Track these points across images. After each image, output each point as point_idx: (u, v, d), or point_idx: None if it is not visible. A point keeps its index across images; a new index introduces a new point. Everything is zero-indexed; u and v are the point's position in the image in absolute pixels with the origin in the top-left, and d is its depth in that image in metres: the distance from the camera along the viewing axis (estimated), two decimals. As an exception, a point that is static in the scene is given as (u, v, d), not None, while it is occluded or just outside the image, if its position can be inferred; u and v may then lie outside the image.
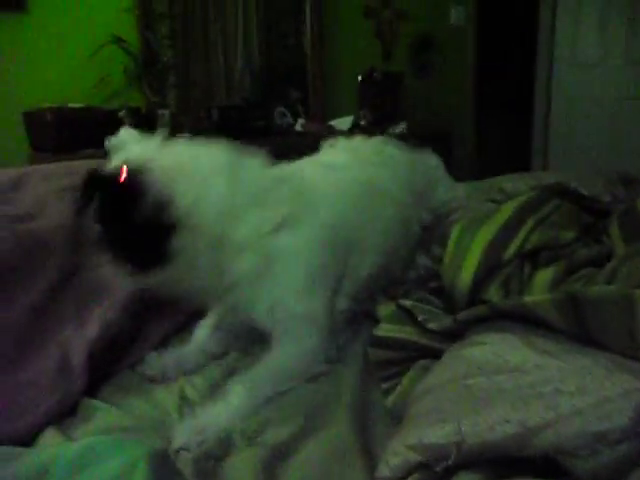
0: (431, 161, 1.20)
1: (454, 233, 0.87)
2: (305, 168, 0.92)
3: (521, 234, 0.84)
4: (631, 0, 3.27)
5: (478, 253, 0.82)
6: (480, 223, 0.87)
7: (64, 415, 0.72)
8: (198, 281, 0.75)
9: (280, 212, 0.78)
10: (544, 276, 0.77)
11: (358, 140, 1.09)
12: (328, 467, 0.60)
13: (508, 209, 0.89)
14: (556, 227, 0.87)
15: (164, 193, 0.67)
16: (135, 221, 0.67)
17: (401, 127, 1.20)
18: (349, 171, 0.95)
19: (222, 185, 0.72)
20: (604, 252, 0.83)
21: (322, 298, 0.82)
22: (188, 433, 0.67)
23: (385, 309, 0.81)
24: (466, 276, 0.80)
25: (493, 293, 0.77)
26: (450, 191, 1.20)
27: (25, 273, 0.82)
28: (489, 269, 0.80)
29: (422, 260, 1.02)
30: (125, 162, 0.69)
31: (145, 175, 0.67)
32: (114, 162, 0.71)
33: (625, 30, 3.32)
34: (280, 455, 0.62)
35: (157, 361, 0.84)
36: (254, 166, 0.81)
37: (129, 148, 0.74)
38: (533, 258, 0.83)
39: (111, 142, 0.78)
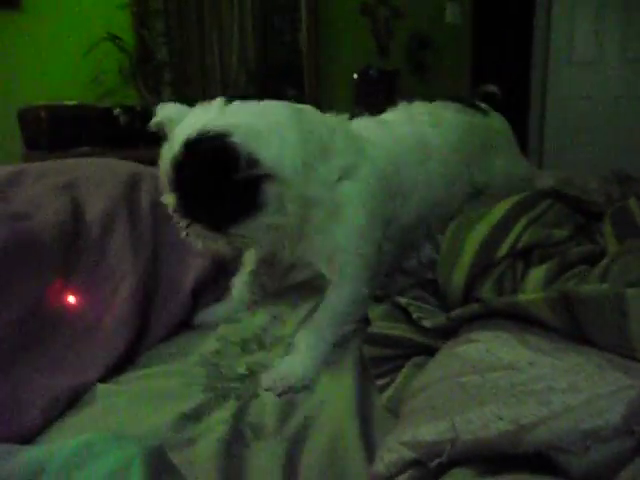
0: (495, 125, 1.23)
1: (448, 232, 0.88)
2: (359, 122, 0.97)
3: (514, 232, 0.84)
4: (625, 0, 3.28)
5: (471, 251, 0.83)
6: (473, 222, 0.88)
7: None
8: (279, 233, 0.81)
9: (342, 162, 0.83)
10: (537, 274, 0.78)
11: (417, 104, 1.13)
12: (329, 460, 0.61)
13: (501, 208, 0.90)
14: (549, 225, 0.87)
15: (251, 151, 0.71)
16: (232, 181, 0.71)
17: (492, 88, 1.23)
18: (399, 127, 1.01)
19: (295, 138, 0.76)
20: (597, 250, 0.84)
21: (374, 242, 0.88)
22: (274, 378, 0.75)
23: (376, 310, 0.82)
24: (460, 275, 0.81)
25: (487, 291, 0.78)
26: (513, 165, 1.22)
27: (21, 271, 0.82)
28: (482, 267, 0.81)
29: (426, 249, 1.02)
30: (205, 129, 0.72)
31: (231, 137, 0.71)
32: (188, 131, 0.73)
33: (620, 29, 3.33)
34: (296, 447, 0.63)
35: (204, 316, 0.96)
36: (314, 119, 0.85)
37: (193, 117, 0.77)
38: (526, 256, 0.84)
39: (162, 116, 0.82)
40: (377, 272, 0.89)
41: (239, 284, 1.00)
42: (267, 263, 1.00)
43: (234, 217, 0.75)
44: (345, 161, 0.83)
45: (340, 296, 0.85)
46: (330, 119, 0.89)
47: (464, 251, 0.84)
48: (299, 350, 0.80)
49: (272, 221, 0.76)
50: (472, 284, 0.82)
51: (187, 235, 0.80)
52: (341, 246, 0.84)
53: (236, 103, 0.78)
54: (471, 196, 1.12)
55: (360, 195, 0.85)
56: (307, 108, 0.86)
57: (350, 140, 0.87)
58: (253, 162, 0.71)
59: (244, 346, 0.86)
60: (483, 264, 0.82)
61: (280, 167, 0.73)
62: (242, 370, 0.79)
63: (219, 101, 0.78)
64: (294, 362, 0.78)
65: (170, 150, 0.75)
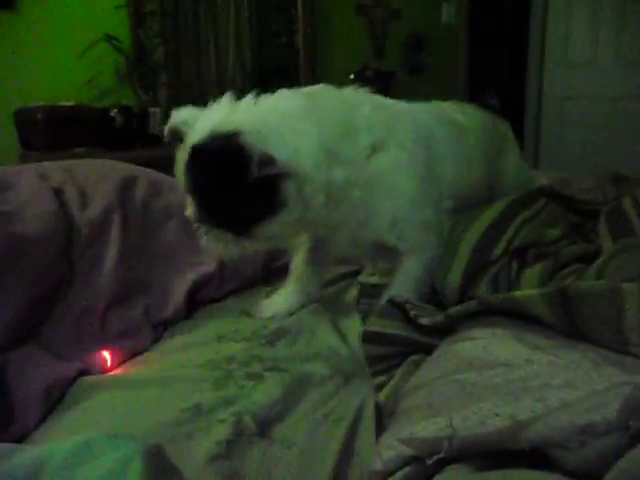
0: (506, 130, 1.23)
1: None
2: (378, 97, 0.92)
3: (509, 232, 0.85)
4: (621, 1, 3.29)
5: (467, 251, 0.83)
6: (469, 221, 0.88)
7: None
8: (309, 224, 0.80)
9: (370, 138, 0.80)
10: (532, 273, 0.78)
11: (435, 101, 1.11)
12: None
13: (497, 208, 0.91)
14: (543, 225, 0.88)
15: (264, 150, 0.68)
16: (246, 182, 0.69)
17: (492, 100, 1.24)
18: (425, 106, 0.99)
19: (310, 128, 0.74)
20: (591, 249, 0.84)
21: (432, 204, 0.87)
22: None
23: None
24: (456, 274, 0.82)
25: (482, 290, 0.78)
26: (521, 168, 1.24)
27: (13, 274, 0.82)
28: (478, 267, 0.82)
29: None
30: (215, 130, 0.70)
31: (242, 137, 0.68)
32: (199, 134, 0.72)
33: (615, 30, 3.35)
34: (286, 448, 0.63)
35: (269, 306, 0.94)
36: (330, 100, 0.82)
37: (204, 119, 0.75)
38: (521, 255, 0.84)
39: (177, 120, 0.80)
40: (444, 228, 0.89)
41: (299, 275, 0.96)
42: (318, 254, 0.97)
43: (255, 218, 0.73)
44: (373, 136, 0.80)
45: (414, 264, 0.86)
46: (350, 94, 0.85)
47: (460, 250, 0.84)
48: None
49: (296, 217, 0.74)
50: (468, 283, 0.82)
51: (207, 241, 0.77)
52: (398, 218, 0.83)
53: (247, 99, 0.77)
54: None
55: (399, 163, 0.82)
56: (320, 90, 0.83)
57: (376, 112, 0.83)
58: (267, 160, 0.68)
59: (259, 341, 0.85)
60: (479, 263, 0.82)
61: (297, 163, 0.70)
62: (253, 370, 0.78)
63: (228, 98, 0.77)
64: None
65: (184, 154, 0.73)
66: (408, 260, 0.87)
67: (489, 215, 0.88)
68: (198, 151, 0.71)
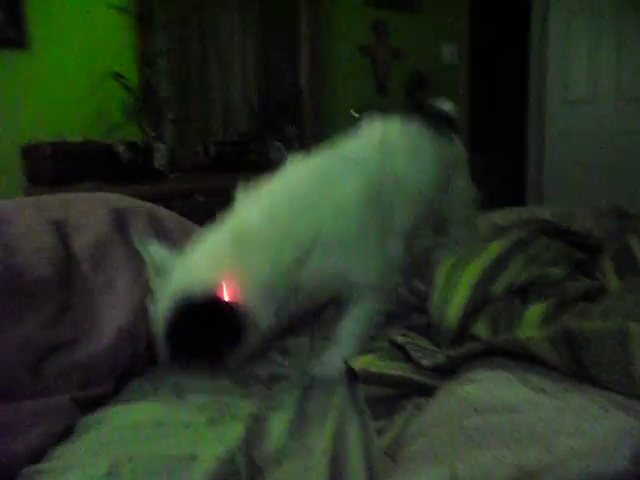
0: (457, 150, 1.24)
1: (443, 269, 0.88)
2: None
3: (510, 270, 0.84)
4: (619, 39, 3.36)
5: (467, 288, 0.82)
6: (469, 259, 0.87)
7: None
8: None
9: (292, 255, 0.88)
10: (535, 312, 0.77)
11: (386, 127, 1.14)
12: None
13: (498, 246, 0.90)
14: (546, 264, 0.87)
15: (247, 317, 0.84)
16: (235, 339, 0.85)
17: (447, 106, 1.27)
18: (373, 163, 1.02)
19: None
20: (594, 287, 0.83)
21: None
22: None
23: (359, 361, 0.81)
24: (454, 311, 0.80)
25: (481, 328, 0.76)
26: (468, 187, 1.25)
27: (13, 308, 0.81)
28: (477, 304, 0.80)
29: (403, 292, 1.03)
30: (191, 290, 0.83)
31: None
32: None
33: (614, 68, 3.41)
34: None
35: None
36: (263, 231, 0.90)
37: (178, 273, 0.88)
38: (522, 294, 0.83)
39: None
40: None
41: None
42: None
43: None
44: (297, 253, 0.87)
45: (362, 312, 0.91)
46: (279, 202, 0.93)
47: (459, 287, 0.83)
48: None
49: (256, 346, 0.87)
50: (466, 321, 0.81)
51: None
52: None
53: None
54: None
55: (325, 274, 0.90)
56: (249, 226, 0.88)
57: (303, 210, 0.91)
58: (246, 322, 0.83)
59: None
60: (478, 301, 0.81)
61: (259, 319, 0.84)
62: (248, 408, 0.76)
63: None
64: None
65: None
66: (356, 309, 0.93)
67: (490, 253, 0.87)
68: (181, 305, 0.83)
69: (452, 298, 0.82)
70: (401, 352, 0.75)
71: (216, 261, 0.85)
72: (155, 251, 0.89)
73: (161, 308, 0.84)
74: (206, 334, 0.83)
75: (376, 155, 1.02)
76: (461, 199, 1.21)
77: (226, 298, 0.81)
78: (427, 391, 0.67)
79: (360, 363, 0.78)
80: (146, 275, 0.99)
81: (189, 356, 0.86)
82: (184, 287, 0.82)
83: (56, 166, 2.14)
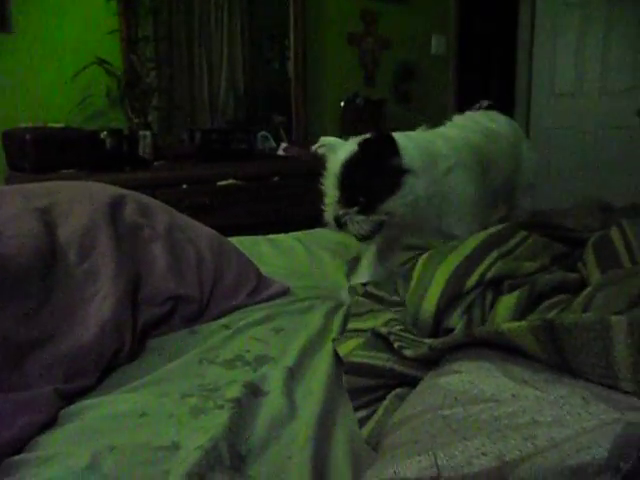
0: (516, 126, 1.71)
1: (419, 265, 0.89)
2: (442, 130, 1.39)
3: (484, 264, 0.85)
4: (606, 33, 3.38)
5: (441, 283, 0.84)
6: (444, 255, 0.89)
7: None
8: (402, 218, 1.13)
9: (445, 164, 1.21)
10: (507, 302, 0.78)
11: (469, 113, 1.66)
12: None
13: (473, 241, 0.91)
14: (520, 259, 0.88)
15: (398, 153, 1.11)
16: (385, 167, 1.10)
17: (487, 103, 1.79)
18: (475, 124, 1.49)
19: (416, 148, 1.16)
20: (571, 278, 0.84)
21: (482, 204, 1.32)
22: None
23: (344, 346, 0.81)
24: (429, 305, 0.82)
25: (456, 321, 0.77)
26: (531, 155, 1.67)
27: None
28: (451, 298, 0.82)
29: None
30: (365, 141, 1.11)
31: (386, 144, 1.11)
32: (347, 151, 1.12)
33: (599, 63, 3.43)
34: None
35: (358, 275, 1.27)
36: (419, 137, 1.24)
37: (347, 145, 1.15)
38: (496, 287, 0.84)
39: (324, 145, 1.21)
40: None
41: (372, 259, 1.28)
42: (386, 250, 1.28)
43: (381, 199, 1.09)
44: (446, 163, 1.20)
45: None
46: (428, 136, 1.27)
47: (434, 281, 0.85)
48: None
49: (406, 201, 1.10)
50: (441, 314, 0.82)
51: (344, 224, 1.10)
52: (462, 216, 1.22)
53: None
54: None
55: (464, 180, 1.23)
56: (416, 133, 1.27)
57: (448, 144, 1.25)
58: (398, 160, 1.10)
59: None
60: (452, 294, 0.82)
61: (413, 165, 1.11)
62: (233, 394, 0.76)
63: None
64: None
65: (337, 161, 1.10)
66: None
67: (465, 248, 0.89)
68: (354, 155, 1.10)
69: (427, 293, 0.84)
70: (384, 343, 0.76)
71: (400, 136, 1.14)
72: (326, 139, 1.20)
73: (340, 157, 1.11)
74: (372, 175, 1.08)
75: (491, 124, 1.53)
76: (528, 167, 1.63)
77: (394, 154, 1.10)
78: (410, 382, 0.67)
79: (345, 348, 0.78)
80: (131, 265, 0.98)
81: (356, 196, 1.08)
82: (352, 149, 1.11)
83: (37, 153, 2.10)
